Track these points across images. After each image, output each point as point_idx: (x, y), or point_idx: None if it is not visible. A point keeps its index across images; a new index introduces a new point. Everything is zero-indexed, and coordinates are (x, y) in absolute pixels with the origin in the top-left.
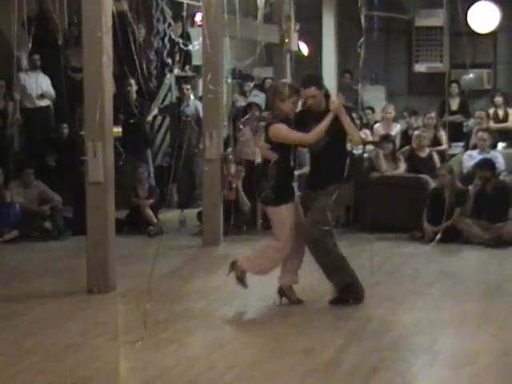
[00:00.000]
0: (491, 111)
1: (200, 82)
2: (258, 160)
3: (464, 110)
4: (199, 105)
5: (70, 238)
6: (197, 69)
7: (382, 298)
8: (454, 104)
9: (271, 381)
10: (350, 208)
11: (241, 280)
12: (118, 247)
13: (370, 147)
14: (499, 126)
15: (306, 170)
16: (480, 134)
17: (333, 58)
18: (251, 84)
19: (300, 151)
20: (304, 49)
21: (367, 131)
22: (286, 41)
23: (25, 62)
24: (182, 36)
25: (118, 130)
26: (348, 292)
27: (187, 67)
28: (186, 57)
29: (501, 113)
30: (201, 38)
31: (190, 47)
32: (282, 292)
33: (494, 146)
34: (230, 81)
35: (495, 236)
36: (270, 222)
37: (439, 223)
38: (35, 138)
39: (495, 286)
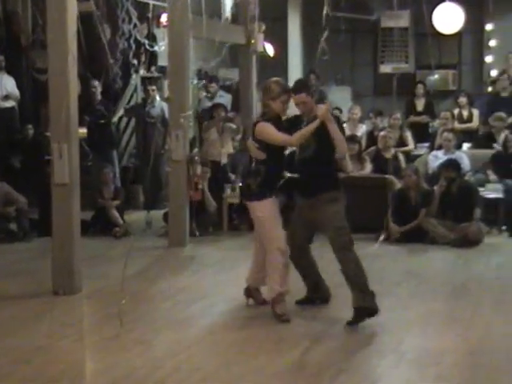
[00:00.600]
0: (456, 112)
1: (166, 83)
2: (224, 161)
3: (429, 110)
4: (165, 106)
5: (36, 239)
6: (162, 70)
7: (348, 299)
8: (420, 105)
9: (238, 382)
10: None
11: (282, 316)
12: (83, 248)
13: None
14: (464, 126)
15: None
16: (445, 134)
17: (298, 58)
18: (215, 85)
19: None
20: (270, 50)
21: None
22: (252, 42)
23: None
24: (147, 37)
25: (83, 131)
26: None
27: (153, 68)
28: (152, 58)
29: (465, 113)
30: (166, 39)
31: (156, 48)
32: (248, 293)
33: (459, 147)
34: (195, 82)
35: (460, 236)
36: (253, 221)
37: (405, 223)
38: (0, 138)
39: (461, 286)
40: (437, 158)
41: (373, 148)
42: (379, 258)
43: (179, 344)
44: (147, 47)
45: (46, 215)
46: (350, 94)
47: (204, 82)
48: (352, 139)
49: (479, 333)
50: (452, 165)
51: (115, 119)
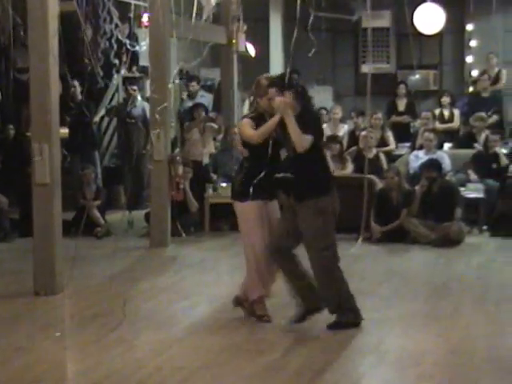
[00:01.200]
0: (437, 112)
1: (147, 83)
2: (206, 161)
3: (411, 110)
4: (146, 106)
5: (17, 239)
6: (144, 69)
7: None
8: (401, 105)
9: (219, 382)
10: None
11: (263, 317)
12: (64, 249)
13: None
14: (445, 126)
15: None
16: (426, 134)
17: (280, 58)
18: (195, 84)
19: None
20: (251, 50)
21: None
22: (234, 42)
23: None
24: (129, 37)
25: (64, 131)
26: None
27: (134, 68)
28: (133, 57)
29: (446, 113)
30: (148, 39)
31: (137, 48)
32: (237, 301)
33: (440, 147)
34: (177, 81)
35: (442, 236)
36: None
37: (386, 223)
38: None
39: (442, 286)
40: (418, 158)
41: (354, 148)
42: (360, 258)
43: (161, 344)
44: (129, 47)
45: (26, 215)
46: (331, 94)
47: (185, 80)
48: (333, 139)
49: (460, 332)
50: (433, 165)
51: (97, 119)
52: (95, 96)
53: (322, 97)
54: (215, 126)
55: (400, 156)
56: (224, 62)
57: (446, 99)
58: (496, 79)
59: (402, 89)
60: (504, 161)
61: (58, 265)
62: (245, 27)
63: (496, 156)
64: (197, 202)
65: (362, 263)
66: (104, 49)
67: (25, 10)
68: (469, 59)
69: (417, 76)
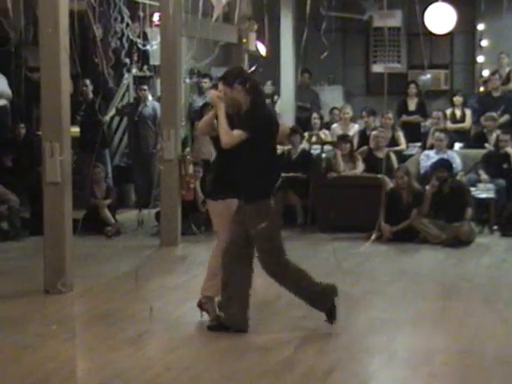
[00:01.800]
0: (448, 111)
1: (158, 82)
2: None
3: (421, 110)
4: (157, 105)
5: (27, 238)
6: (155, 69)
7: (339, 298)
8: (412, 104)
9: (227, 381)
10: (308, 208)
11: (217, 319)
12: (75, 247)
13: (328, 147)
14: (456, 126)
15: None
16: (437, 134)
17: (290, 58)
18: (208, 81)
19: None
20: (262, 49)
21: (326, 131)
22: (244, 41)
23: None
24: (139, 36)
25: (75, 130)
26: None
27: (145, 67)
28: (144, 57)
29: (458, 113)
30: (159, 38)
31: (148, 47)
32: (200, 305)
33: (450, 147)
34: (187, 81)
35: (452, 236)
36: None
37: (396, 223)
38: None
39: (452, 286)
40: (429, 158)
41: (365, 147)
42: (371, 257)
43: (170, 343)
44: (139, 46)
45: (37, 214)
46: (342, 94)
47: (197, 78)
48: (344, 139)
49: (470, 332)
50: (444, 165)
51: (107, 118)
52: (106, 95)
53: (332, 96)
54: None
55: (411, 156)
56: (234, 61)
57: (458, 99)
58: (507, 79)
59: (412, 88)
60: None
61: (68, 263)
62: (255, 26)
63: (507, 156)
64: None
65: (372, 263)
66: (115, 48)
67: (36, 8)
68: (480, 59)
69: (428, 76)
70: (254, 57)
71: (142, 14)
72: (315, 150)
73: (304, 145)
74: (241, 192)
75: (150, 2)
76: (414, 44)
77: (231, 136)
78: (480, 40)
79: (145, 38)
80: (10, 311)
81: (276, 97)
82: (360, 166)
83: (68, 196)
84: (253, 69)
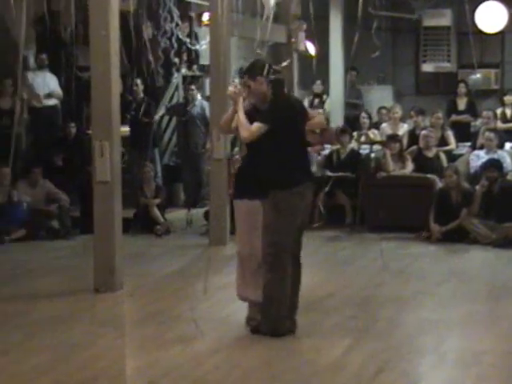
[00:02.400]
0: (499, 111)
1: (207, 82)
2: None
3: (471, 109)
4: (206, 104)
5: (77, 237)
6: (204, 68)
7: (389, 299)
8: (462, 104)
9: (276, 381)
10: (357, 208)
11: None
12: (124, 246)
13: (377, 147)
14: (506, 125)
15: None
16: (487, 133)
17: (340, 57)
18: None
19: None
20: (311, 48)
21: (375, 131)
22: (293, 40)
23: (32, 61)
24: (189, 36)
25: (125, 129)
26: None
27: (194, 67)
28: (194, 56)
29: (509, 112)
30: (208, 38)
31: (197, 47)
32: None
33: (501, 146)
34: (237, 80)
35: (502, 236)
36: None
37: (446, 223)
38: (42, 137)
39: (502, 287)
40: (478, 158)
41: (414, 147)
42: (420, 257)
43: (219, 342)
44: (189, 46)
45: (87, 213)
46: (391, 93)
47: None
48: (393, 138)
49: None
50: (494, 164)
51: (157, 118)
52: (156, 94)
53: (382, 96)
54: None
55: (460, 155)
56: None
57: (509, 98)
58: None
59: (462, 88)
60: None
61: (118, 262)
62: (304, 26)
63: None
64: None
65: (422, 263)
66: (164, 48)
67: (87, 8)
68: None
69: (478, 75)
70: (304, 56)
71: (191, 13)
72: (364, 149)
73: (353, 144)
74: (261, 187)
75: (199, 2)
76: (464, 43)
77: (249, 130)
78: None
79: (194, 37)
80: (60, 310)
81: (325, 96)
82: (409, 166)
83: (118, 195)
84: (285, 63)
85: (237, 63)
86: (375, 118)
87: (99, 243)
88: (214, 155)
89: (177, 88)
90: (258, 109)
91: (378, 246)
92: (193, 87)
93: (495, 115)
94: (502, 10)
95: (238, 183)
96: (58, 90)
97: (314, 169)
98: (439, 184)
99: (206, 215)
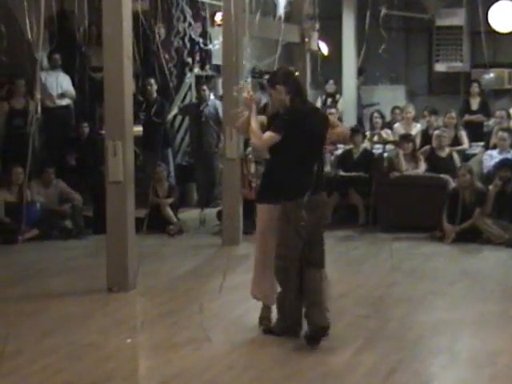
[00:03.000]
0: None
1: (220, 82)
2: None
3: (484, 109)
4: (218, 104)
5: (90, 236)
6: (217, 68)
7: (402, 298)
8: (475, 103)
9: (289, 381)
10: (370, 208)
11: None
12: (137, 246)
13: (390, 147)
14: None
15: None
16: (500, 133)
17: (353, 56)
18: None
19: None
20: (324, 48)
21: (388, 131)
22: (306, 40)
23: (45, 61)
24: (202, 35)
25: (138, 129)
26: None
27: (207, 66)
28: (206, 56)
29: None
30: (221, 38)
31: (210, 46)
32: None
33: None
34: (249, 80)
35: None
36: None
37: (459, 223)
38: (55, 137)
39: None
40: (492, 158)
41: (427, 147)
42: (433, 257)
43: (231, 343)
44: (202, 46)
45: (100, 213)
46: (404, 93)
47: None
48: (406, 138)
49: None
50: (507, 164)
51: (170, 117)
52: (169, 94)
53: (394, 96)
54: None
55: (473, 155)
56: (297, 60)
57: None
58: None
59: (475, 87)
60: None
61: (131, 262)
62: (317, 25)
63: None
64: None
65: (435, 263)
66: (177, 47)
67: (100, 8)
68: None
69: (491, 75)
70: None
71: (204, 13)
72: (377, 149)
73: (366, 144)
74: (276, 194)
75: (212, 2)
76: (477, 43)
77: (261, 139)
78: None
79: (207, 37)
80: (73, 309)
81: (338, 95)
82: (422, 166)
83: (131, 195)
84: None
85: (250, 63)
86: (388, 118)
87: (112, 243)
88: (227, 155)
89: (190, 88)
90: (278, 115)
91: (390, 246)
92: (204, 87)
93: (508, 115)
94: None
95: (260, 187)
96: (70, 90)
97: (327, 169)
98: (452, 184)
99: (219, 215)
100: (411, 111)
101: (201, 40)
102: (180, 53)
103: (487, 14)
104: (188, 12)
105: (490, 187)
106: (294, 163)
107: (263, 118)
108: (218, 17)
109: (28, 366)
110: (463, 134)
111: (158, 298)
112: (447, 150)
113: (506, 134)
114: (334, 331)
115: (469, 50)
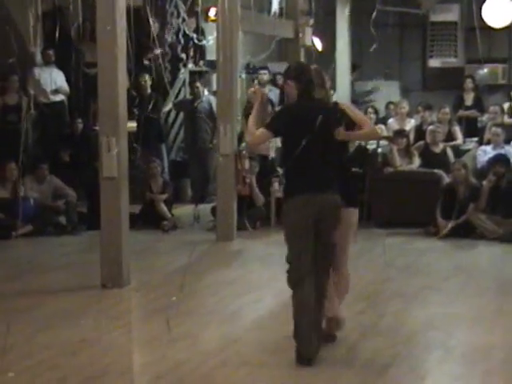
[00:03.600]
0: (506, 106)
1: (214, 77)
2: (272, 155)
3: (478, 105)
4: (212, 100)
5: (84, 232)
6: (211, 64)
7: (396, 294)
8: (469, 99)
9: (284, 377)
10: (364, 203)
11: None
12: (131, 242)
13: (384, 142)
14: None
15: None
16: (494, 129)
17: (347, 52)
18: (266, 72)
19: None
20: (318, 44)
21: (382, 126)
22: (300, 36)
23: (39, 57)
24: (195, 31)
25: (132, 124)
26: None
27: (201, 62)
28: (200, 52)
29: None
30: (215, 33)
31: (204, 42)
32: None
33: (508, 141)
34: (243, 76)
35: (509, 231)
36: None
37: (456, 217)
38: (49, 133)
39: (509, 282)
40: (485, 153)
41: (421, 142)
42: (427, 252)
43: (226, 338)
44: (195, 41)
45: (94, 209)
46: (398, 89)
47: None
48: (400, 133)
49: None
50: (501, 160)
51: (164, 111)
52: (162, 90)
53: (388, 91)
54: None
55: (467, 151)
56: (291, 56)
57: None
58: None
59: (469, 83)
60: None
61: (125, 257)
62: (311, 21)
63: None
64: (263, 196)
65: (429, 258)
66: (171, 43)
67: (94, 4)
68: None
69: (485, 70)
70: (310, 52)
71: (198, 8)
72: (371, 144)
73: None
74: None
75: None
76: (471, 38)
77: (252, 134)
78: None
79: (201, 33)
80: (68, 305)
81: (332, 91)
82: (416, 161)
83: (124, 191)
84: None
85: (243, 59)
86: (382, 114)
87: (106, 239)
88: (221, 150)
89: (184, 83)
90: None
91: (384, 242)
92: (198, 84)
93: (502, 110)
94: (510, 5)
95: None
96: (64, 86)
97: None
98: (446, 179)
99: (213, 211)
100: (405, 107)
101: (195, 35)
102: (174, 48)
103: (481, 9)
104: (182, 7)
105: (484, 182)
106: (294, 160)
107: None
108: (212, 12)
109: (22, 361)
110: (457, 130)
111: (153, 294)
112: (441, 145)
113: (499, 130)
114: None
115: (463, 45)
